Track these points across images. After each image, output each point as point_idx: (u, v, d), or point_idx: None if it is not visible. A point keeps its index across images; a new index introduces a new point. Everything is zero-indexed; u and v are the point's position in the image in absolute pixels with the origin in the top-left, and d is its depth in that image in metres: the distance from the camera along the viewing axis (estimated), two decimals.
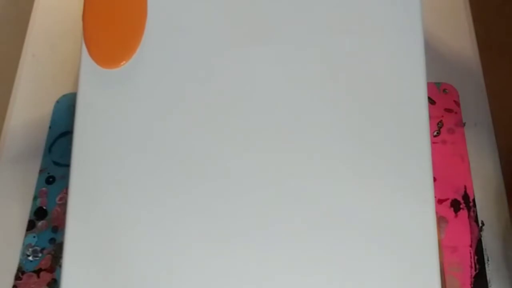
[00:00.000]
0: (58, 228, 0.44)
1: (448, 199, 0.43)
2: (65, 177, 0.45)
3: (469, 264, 0.41)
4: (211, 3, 0.37)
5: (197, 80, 0.36)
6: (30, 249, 0.44)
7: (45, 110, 0.49)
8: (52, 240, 0.44)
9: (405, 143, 0.35)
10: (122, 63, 0.35)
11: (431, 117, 0.38)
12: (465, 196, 0.44)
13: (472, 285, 0.41)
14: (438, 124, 0.46)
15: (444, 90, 0.48)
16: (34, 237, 0.44)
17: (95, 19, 0.35)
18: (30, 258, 0.43)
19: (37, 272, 0.43)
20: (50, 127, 0.48)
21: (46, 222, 0.45)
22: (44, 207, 0.45)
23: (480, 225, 0.43)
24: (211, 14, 0.37)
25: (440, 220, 0.43)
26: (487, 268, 0.41)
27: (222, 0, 0.37)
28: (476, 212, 0.43)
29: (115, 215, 0.34)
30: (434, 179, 0.34)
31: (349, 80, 0.36)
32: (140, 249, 0.34)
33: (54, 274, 0.43)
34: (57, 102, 0.49)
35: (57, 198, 0.45)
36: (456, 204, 0.43)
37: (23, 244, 0.44)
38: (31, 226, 0.44)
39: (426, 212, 0.34)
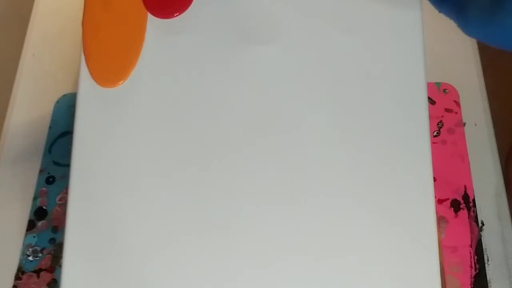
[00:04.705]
0: (58, 228, 0.44)
1: (448, 199, 0.44)
2: (65, 177, 0.45)
3: (469, 264, 0.41)
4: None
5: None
6: (30, 249, 0.44)
7: (45, 110, 0.49)
8: (52, 240, 0.44)
9: (405, 143, 0.35)
10: (120, 82, 0.36)
11: (431, 117, 0.38)
12: (465, 196, 0.44)
13: (472, 285, 0.41)
14: (438, 124, 0.46)
15: (444, 90, 0.48)
16: (34, 237, 0.44)
17: (95, 39, 0.36)
18: (30, 258, 0.43)
19: (37, 272, 0.43)
20: (50, 127, 0.48)
21: (46, 222, 0.45)
22: (44, 207, 0.45)
23: (480, 225, 0.43)
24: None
25: (440, 220, 0.43)
26: (487, 268, 0.41)
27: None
28: (476, 212, 0.43)
29: (115, 215, 0.34)
30: (434, 179, 0.34)
31: (349, 80, 0.36)
32: (140, 249, 0.34)
33: (54, 274, 0.43)
34: (57, 102, 0.49)
35: (57, 198, 0.45)
36: (456, 204, 0.43)
37: (23, 244, 0.44)
38: (31, 226, 0.44)
39: (426, 212, 0.34)
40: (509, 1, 0.27)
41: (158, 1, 0.37)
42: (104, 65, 0.36)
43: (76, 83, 0.36)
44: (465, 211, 0.43)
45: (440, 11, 0.31)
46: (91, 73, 0.36)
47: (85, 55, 0.36)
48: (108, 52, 0.36)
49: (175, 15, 0.36)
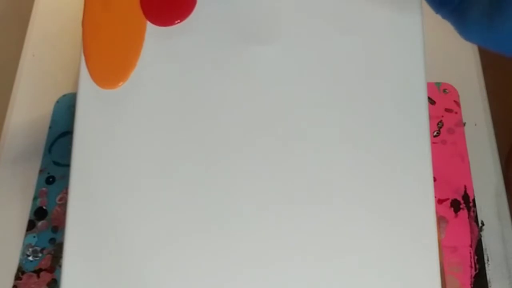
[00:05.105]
0: (58, 228, 0.44)
1: (448, 199, 0.44)
2: (65, 177, 0.45)
3: (469, 264, 0.41)
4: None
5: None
6: (30, 249, 0.44)
7: (45, 110, 0.49)
8: (52, 240, 0.44)
9: (405, 143, 0.35)
10: (120, 84, 0.36)
11: (431, 117, 0.38)
12: (465, 196, 0.44)
13: (472, 285, 0.41)
14: (438, 124, 0.46)
15: (444, 90, 0.48)
16: (34, 237, 0.44)
17: (95, 39, 0.36)
18: (30, 258, 0.43)
19: (37, 272, 0.43)
20: (50, 127, 0.48)
21: (46, 222, 0.45)
22: (44, 207, 0.45)
23: (480, 225, 0.43)
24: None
25: (440, 220, 0.43)
26: (487, 268, 0.41)
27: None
28: (476, 212, 0.43)
29: (115, 215, 0.34)
30: (434, 179, 0.34)
31: (349, 80, 0.36)
32: (140, 249, 0.34)
33: (54, 274, 0.43)
34: (57, 102, 0.49)
35: (57, 198, 0.45)
36: (456, 204, 0.43)
37: (23, 244, 0.44)
38: (31, 226, 0.44)
39: (426, 212, 0.34)
40: (509, 6, 0.27)
41: (158, 11, 0.36)
42: (104, 66, 0.36)
43: (76, 83, 0.36)
44: (465, 211, 0.43)
45: (437, 13, 0.31)
46: (91, 75, 0.36)
47: (85, 55, 0.36)
48: (108, 52, 0.36)
49: (176, 22, 0.36)
